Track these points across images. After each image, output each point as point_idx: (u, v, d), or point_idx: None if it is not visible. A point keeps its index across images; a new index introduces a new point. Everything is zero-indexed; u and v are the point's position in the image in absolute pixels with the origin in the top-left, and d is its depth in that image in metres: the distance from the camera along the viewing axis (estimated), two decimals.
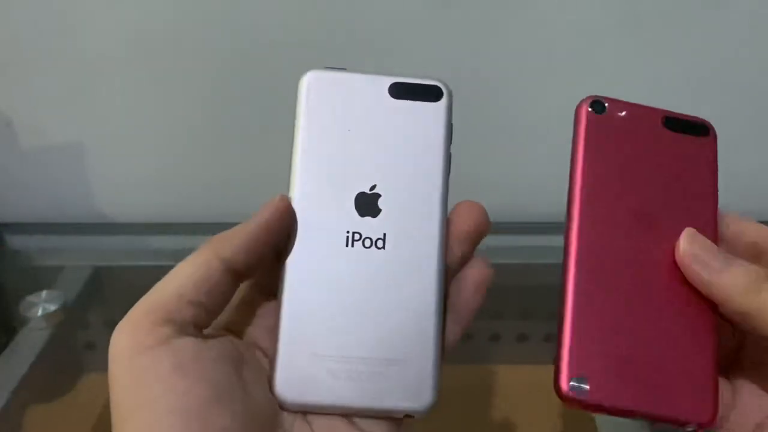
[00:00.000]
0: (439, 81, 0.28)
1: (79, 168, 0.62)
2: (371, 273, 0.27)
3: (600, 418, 0.49)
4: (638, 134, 0.28)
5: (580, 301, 0.26)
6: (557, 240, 0.28)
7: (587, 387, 0.25)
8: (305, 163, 0.27)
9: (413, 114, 0.28)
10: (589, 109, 0.28)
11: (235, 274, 0.26)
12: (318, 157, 0.27)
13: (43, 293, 0.53)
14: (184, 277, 0.25)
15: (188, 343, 0.24)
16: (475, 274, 0.28)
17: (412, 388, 0.26)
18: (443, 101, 0.28)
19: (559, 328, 0.26)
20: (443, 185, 0.27)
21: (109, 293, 0.58)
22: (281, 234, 0.27)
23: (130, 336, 0.24)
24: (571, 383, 0.25)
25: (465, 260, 0.28)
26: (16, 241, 0.62)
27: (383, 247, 0.27)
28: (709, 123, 0.29)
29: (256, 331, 0.28)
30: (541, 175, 0.63)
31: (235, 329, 0.27)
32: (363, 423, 0.26)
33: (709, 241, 0.27)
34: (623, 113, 0.28)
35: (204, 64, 0.57)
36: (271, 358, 0.26)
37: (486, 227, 0.28)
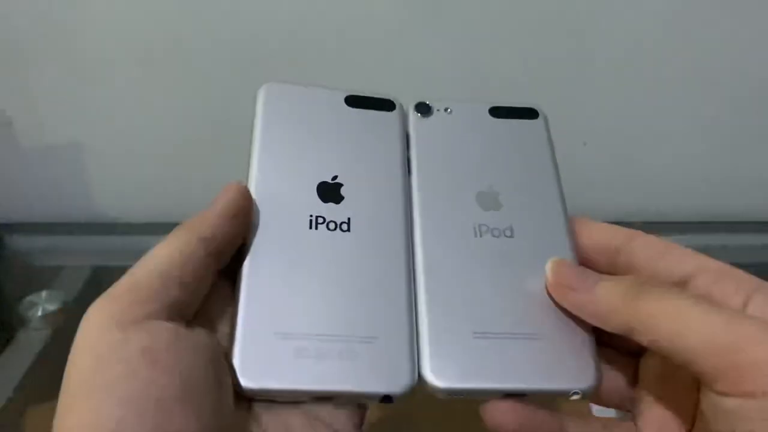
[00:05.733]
0: (391, 95, 0.30)
1: (79, 168, 0.62)
2: (337, 253, 0.25)
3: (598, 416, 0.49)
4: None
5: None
6: None
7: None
8: (263, 160, 0.28)
9: (370, 122, 0.29)
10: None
11: (213, 254, 0.24)
12: (278, 154, 0.28)
13: (43, 293, 0.53)
14: (166, 257, 0.23)
15: (165, 328, 0.21)
16: None
17: (390, 368, 0.23)
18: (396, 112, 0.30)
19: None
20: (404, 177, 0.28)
21: None
22: (246, 215, 0.25)
23: (104, 312, 0.21)
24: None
25: None
26: (16, 241, 0.62)
27: (348, 230, 0.26)
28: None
29: (220, 318, 0.25)
30: None
31: (205, 320, 0.24)
32: (323, 414, 0.24)
33: (572, 263, 0.26)
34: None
35: (204, 64, 0.57)
36: (230, 342, 0.23)
37: None
